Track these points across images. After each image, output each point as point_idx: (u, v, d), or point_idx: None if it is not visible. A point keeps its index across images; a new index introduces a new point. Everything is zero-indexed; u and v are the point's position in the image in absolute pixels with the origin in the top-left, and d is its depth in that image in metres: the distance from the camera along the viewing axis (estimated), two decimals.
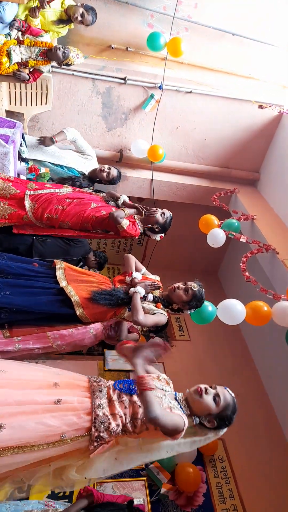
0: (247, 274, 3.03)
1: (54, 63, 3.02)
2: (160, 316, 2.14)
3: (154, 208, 2.72)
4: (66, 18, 3.05)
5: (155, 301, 2.20)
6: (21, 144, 3.04)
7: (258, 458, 3.52)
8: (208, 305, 2.62)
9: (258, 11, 3.66)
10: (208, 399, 1.57)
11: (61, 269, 2.20)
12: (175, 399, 1.60)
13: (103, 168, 3.13)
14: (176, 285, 2.18)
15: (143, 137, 4.05)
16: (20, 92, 3.36)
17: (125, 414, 1.49)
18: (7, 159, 2.70)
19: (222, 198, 4.10)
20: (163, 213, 2.67)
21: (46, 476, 1.48)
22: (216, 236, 3.33)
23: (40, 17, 2.94)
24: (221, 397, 1.59)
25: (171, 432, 1.40)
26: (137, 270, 2.37)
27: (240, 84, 4.05)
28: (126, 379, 1.65)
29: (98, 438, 1.45)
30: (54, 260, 2.30)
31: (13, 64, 2.82)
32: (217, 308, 2.65)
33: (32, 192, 2.54)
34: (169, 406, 1.48)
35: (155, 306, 2.17)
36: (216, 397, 1.59)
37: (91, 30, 3.24)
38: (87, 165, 3.33)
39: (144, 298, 2.15)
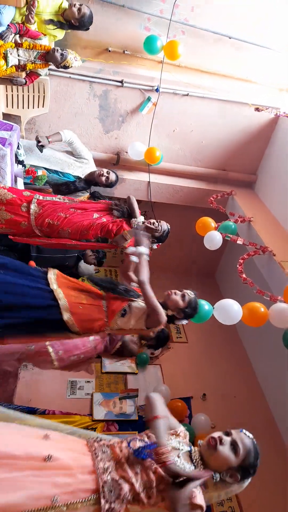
0: (244, 276, 3.04)
1: (51, 66, 3.02)
2: (160, 308, 2.03)
3: (153, 221, 2.68)
4: (61, 21, 3.01)
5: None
6: (18, 147, 3.05)
7: None
8: (204, 304, 2.63)
9: (254, 14, 3.68)
10: (225, 450, 1.30)
11: (54, 274, 2.15)
12: (190, 458, 1.34)
13: (102, 172, 3.11)
14: (173, 290, 2.13)
15: (140, 139, 4.06)
16: (17, 95, 3.36)
17: (137, 481, 1.22)
18: (4, 161, 2.70)
19: (219, 200, 4.11)
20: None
21: None
22: (213, 239, 3.34)
23: (37, 21, 2.93)
24: (239, 445, 1.31)
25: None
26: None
27: (237, 87, 4.06)
28: (141, 439, 1.34)
29: (110, 511, 1.17)
30: (48, 267, 2.23)
31: (11, 66, 2.82)
32: (214, 308, 2.66)
33: (40, 197, 2.55)
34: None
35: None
36: (233, 445, 1.32)
37: (88, 33, 3.24)
38: (83, 169, 3.33)
39: (137, 297, 2.10)
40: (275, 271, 3.24)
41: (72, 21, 2.92)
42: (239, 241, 3.40)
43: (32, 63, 2.87)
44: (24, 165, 3.09)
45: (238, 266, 3.15)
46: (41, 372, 3.42)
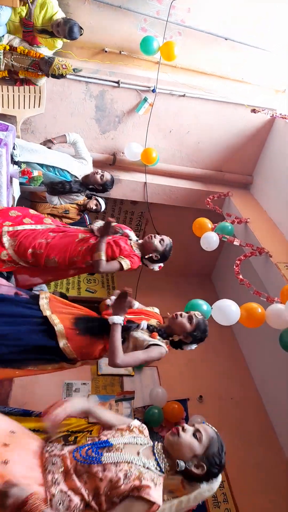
0: (240, 277, 3.03)
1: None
2: (154, 349, 1.80)
3: (152, 235, 2.46)
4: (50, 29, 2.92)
5: (150, 330, 1.89)
6: (13, 147, 3.02)
7: (252, 461, 3.51)
8: (202, 304, 2.62)
9: (251, 16, 3.69)
10: (187, 437, 1.31)
11: (46, 299, 1.97)
12: (153, 452, 1.32)
13: (96, 171, 3.11)
14: (178, 312, 1.91)
15: (137, 140, 4.05)
16: (13, 95, 3.35)
17: (86, 490, 1.18)
18: None
19: (215, 201, 4.11)
20: (162, 239, 2.40)
21: None
22: (210, 239, 3.34)
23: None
24: (202, 432, 1.32)
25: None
26: (131, 306, 2.02)
27: (233, 88, 4.07)
28: (88, 443, 1.31)
29: None
30: (40, 291, 2.12)
31: (4, 70, 2.78)
32: (212, 308, 2.65)
33: (10, 228, 2.30)
34: (137, 475, 1.18)
35: (150, 337, 1.87)
36: (196, 433, 1.32)
37: (85, 33, 3.23)
38: (81, 170, 3.32)
39: (136, 326, 1.88)
40: (272, 272, 3.24)
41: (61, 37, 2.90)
42: (236, 242, 3.40)
43: (24, 70, 2.78)
44: (19, 166, 3.07)
45: (234, 267, 3.14)
46: (37, 375, 3.39)
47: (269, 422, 3.90)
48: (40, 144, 3.24)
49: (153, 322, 1.99)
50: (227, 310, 2.59)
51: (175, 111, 4.01)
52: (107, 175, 3.08)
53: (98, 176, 3.01)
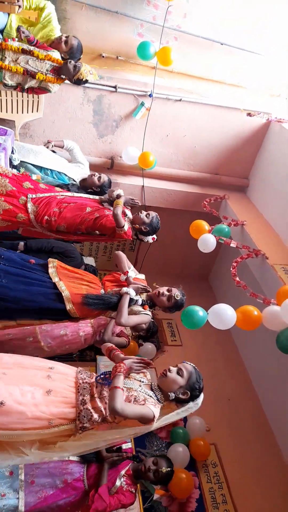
0: (237, 279, 3.06)
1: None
2: (143, 316, 2.25)
3: (137, 200, 2.82)
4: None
5: (143, 304, 2.29)
6: (12, 151, 3.05)
7: (250, 462, 3.53)
8: (199, 310, 2.64)
9: (246, 21, 3.74)
10: (172, 375, 1.79)
11: (54, 267, 2.30)
12: (151, 388, 1.80)
13: (93, 173, 3.17)
14: (161, 290, 2.29)
15: (134, 144, 4.09)
16: (12, 99, 3.37)
17: (105, 409, 1.67)
18: None
19: (212, 204, 4.15)
20: (147, 213, 2.75)
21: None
22: (207, 241, 3.37)
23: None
24: (183, 369, 1.81)
25: (142, 421, 1.63)
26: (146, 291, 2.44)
27: (229, 92, 4.12)
28: (105, 371, 1.83)
29: (82, 428, 1.65)
30: (48, 259, 2.38)
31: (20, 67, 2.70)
32: (207, 313, 2.67)
33: (34, 196, 2.60)
34: (144, 398, 1.69)
35: (143, 308, 2.28)
36: (179, 371, 1.80)
37: (82, 39, 3.26)
38: (78, 173, 3.35)
39: (134, 302, 2.23)
40: (268, 274, 3.27)
41: (62, 55, 2.85)
42: (233, 244, 3.43)
43: (43, 74, 2.74)
44: (18, 170, 3.10)
45: (231, 269, 3.17)
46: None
47: (266, 422, 3.92)
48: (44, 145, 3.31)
49: (144, 296, 2.36)
50: (223, 315, 2.61)
51: (172, 116, 4.05)
52: (104, 177, 3.16)
53: (95, 178, 3.12)
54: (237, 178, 4.55)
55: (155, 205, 4.42)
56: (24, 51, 2.68)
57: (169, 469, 2.38)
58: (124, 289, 2.20)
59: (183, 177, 4.44)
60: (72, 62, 2.79)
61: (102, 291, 2.31)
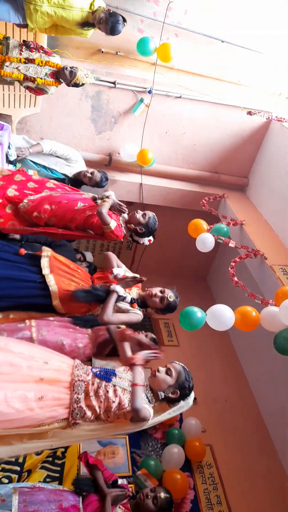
0: (235, 279, 3.03)
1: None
2: (132, 315, 2.20)
3: (125, 207, 2.70)
4: (91, 20, 2.77)
5: (131, 302, 2.23)
6: (9, 146, 3.01)
7: (245, 463, 3.51)
8: (197, 311, 2.60)
9: (247, 19, 3.70)
10: (161, 375, 1.83)
11: (47, 257, 2.24)
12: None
13: (86, 172, 3.13)
14: (154, 292, 2.23)
15: (133, 141, 4.04)
16: (9, 94, 3.33)
17: (99, 408, 1.69)
18: None
19: (211, 203, 4.12)
20: (144, 214, 2.64)
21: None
22: (205, 241, 3.33)
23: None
24: (171, 369, 1.84)
25: (139, 422, 1.68)
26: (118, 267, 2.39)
27: (229, 90, 4.08)
28: (108, 368, 1.86)
29: (74, 424, 1.69)
30: (42, 247, 2.31)
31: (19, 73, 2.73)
32: (206, 314, 2.64)
33: (32, 197, 2.54)
34: None
35: (131, 306, 2.22)
36: (167, 371, 1.84)
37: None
38: (71, 168, 3.32)
39: (122, 299, 2.18)
40: (267, 274, 3.24)
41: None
42: (231, 244, 3.40)
43: (42, 79, 2.81)
44: (15, 165, 3.06)
45: (230, 269, 3.14)
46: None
47: (263, 424, 3.90)
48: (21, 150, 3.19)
49: (134, 293, 2.31)
50: (221, 316, 2.58)
51: (171, 113, 4.01)
52: (96, 176, 3.12)
53: (86, 179, 3.09)
54: (236, 177, 4.52)
55: (153, 203, 4.38)
56: (26, 61, 2.72)
57: (167, 495, 2.38)
58: (112, 286, 2.15)
59: (182, 175, 4.40)
60: (68, 68, 2.81)
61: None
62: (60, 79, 2.88)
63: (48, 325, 2.75)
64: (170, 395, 1.80)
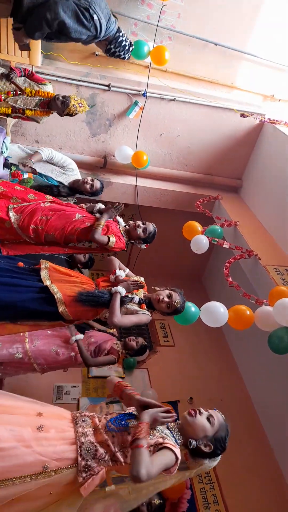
0: (230, 279, 3.06)
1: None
2: (141, 316, 2.17)
3: (139, 223, 2.71)
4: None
5: (140, 302, 2.21)
6: (3, 150, 3.02)
7: (242, 462, 3.53)
8: (191, 306, 2.64)
9: (240, 22, 3.74)
10: (203, 419, 1.55)
11: (46, 269, 2.22)
12: (167, 427, 1.56)
13: (86, 180, 3.10)
14: (161, 297, 2.18)
15: (127, 143, 4.07)
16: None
17: (113, 443, 1.43)
18: None
19: (205, 205, 4.15)
20: (145, 228, 2.67)
21: None
22: (200, 242, 3.36)
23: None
24: (214, 418, 1.57)
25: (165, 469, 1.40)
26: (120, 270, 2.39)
27: (223, 93, 4.12)
28: (120, 414, 1.58)
29: (86, 468, 1.38)
30: (40, 260, 2.30)
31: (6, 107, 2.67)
32: (200, 310, 2.67)
33: (15, 206, 2.51)
34: (161, 436, 1.47)
35: (140, 307, 2.19)
36: (209, 417, 1.56)
37: None
38: (67, 176, 3.33)
39: (129, 300, 2.17)
40: (261, 274, 3.28)
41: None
42: (226, 245, 3.43)
43: (31, 110, 2.71)
44: (10, 169, 3.07)
45: (224, 269, 3.17)
46: (27, 378, 3.38)
47: (258, 423, 3.93)
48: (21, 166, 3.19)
49: (141, 294, 2.28)
50: (215, 312, 2.61)
51: (166, 115, 4.04)
52: (97, 184, 3.12)
53: (87, 186, 3.09)
54: (230, 178, 4.56)
55: (148, 204, 4.41)
56: (14, 93, 2.64)
57: (161, 501, 2.38)
58: (114, 288, 2.14)
59: (176, 177, 4.43)
60: (60, 98, 2.74)
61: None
62: (52, 110, 2.80)
63: (41, 335, 2.78)
64: (202, 447, 1.51)
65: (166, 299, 2.17)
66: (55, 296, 2.09)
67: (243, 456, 3.59)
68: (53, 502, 1.37)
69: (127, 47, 2.71)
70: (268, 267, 3.19)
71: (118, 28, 2.57)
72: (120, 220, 2.78)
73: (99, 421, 1.51)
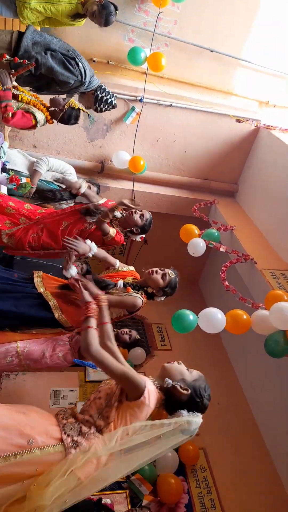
0: (226, 283, 3.08)
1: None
2: (127, 297, 2.10)
3: (133, 206, 2.72)
4: (82, 12, 2.72)
5: (124, 286, 2.19)
6: (1, 155, 3.03)
7: (239, 467, 3.53)
8: (189, 314, 2.64)
9: (236, 29, 3.80)
10: (181, 366, 1.64)
11: (39, 277, 2.26)
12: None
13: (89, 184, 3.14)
14: (154, 269, 2.19)
15: (125, 148, 4.10)
16: None
17: (91, 416, 1.45)
18: None
19: (202, 209, 4.17)
20: (142, 215, 2.66)
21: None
22: (197, 245, 3.38)
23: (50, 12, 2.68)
24: (193, 370, 1.63)
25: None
26: (111, 264, 2.39)
27: (219, 98, 4.17)
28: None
29: (74, 444, 1.35)
30: (33, 271, 2.34)
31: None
32: (198, 317, 2.68)
33: (8, 231, 2.52)
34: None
35: (126, 290, 2.16)
36: (188, 368, 1.65)
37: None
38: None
39: (113, 286, 2.15)
40: (257, 278, 3.30)
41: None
42: (222, 249, 3.45)
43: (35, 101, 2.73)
44: (8, 173, 3.08)
45: (220, 273, 3.19)
46: (24, 382, 3.37)
47: (256, 427, 3.93)
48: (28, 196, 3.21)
49: (129, 279, 2.26)
50: (213, 319, 2.62)
51: (162, 121, 4.07)
52: (93, 189, 3.13)
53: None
54: (226, 183, 4.60)
55: (145, 209, 4.42)
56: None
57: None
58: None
59: (173, 182, 4.46)
60: (60, 96, 2.80)
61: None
62: (53, 118, 2.86)
63: (33, 337, 2.77)
64: (178, 387, 1.51)
65: (159, 270, 2.19)
66: (50, 302, 2.12)
67: (240, 460, 3.59)
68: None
69: (109, 101, 3.07)
70: (264, 271, 3.22)
71: (101, 86, 2.96)
72: (117, 213, 2.77)
73: (75, 406, 1.62)
